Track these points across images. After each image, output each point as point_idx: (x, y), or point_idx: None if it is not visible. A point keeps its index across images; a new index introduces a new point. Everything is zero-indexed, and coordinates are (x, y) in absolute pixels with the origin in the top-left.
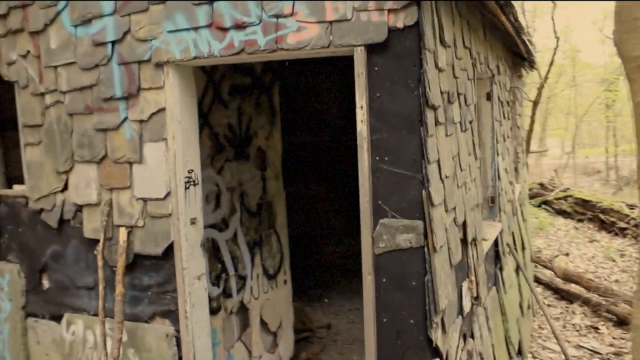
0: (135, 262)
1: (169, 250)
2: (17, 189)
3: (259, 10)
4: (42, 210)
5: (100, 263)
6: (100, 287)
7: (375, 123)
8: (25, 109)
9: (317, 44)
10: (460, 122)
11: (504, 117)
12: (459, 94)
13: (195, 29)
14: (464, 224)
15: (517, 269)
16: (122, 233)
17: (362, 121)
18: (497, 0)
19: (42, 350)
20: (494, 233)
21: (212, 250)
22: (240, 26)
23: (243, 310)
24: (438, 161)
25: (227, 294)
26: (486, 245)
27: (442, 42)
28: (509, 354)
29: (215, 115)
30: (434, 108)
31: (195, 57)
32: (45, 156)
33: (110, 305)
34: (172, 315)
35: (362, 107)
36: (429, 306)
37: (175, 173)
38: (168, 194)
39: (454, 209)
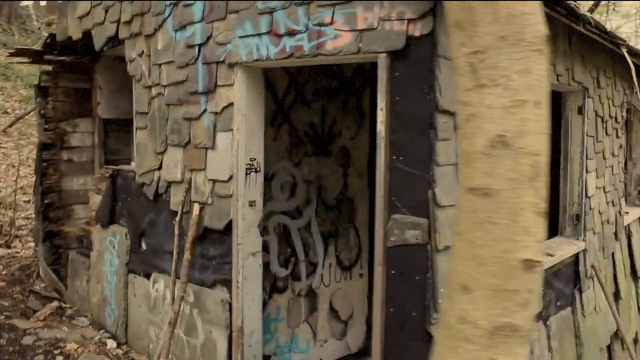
0: (205, 235)
1: (230, 227)
2: (131, 165)
3: (306, 19)
4: (144, 184)
5: (177, 232)
6: (175, 253)
7: (393, 124)
8: (138, 99)
9: (349, 50)
10: None
11: (607, 134)
12: None
13: (259, 35)
14: None
15: (616, 296)
16: (195, 208)
17: (381, 122)
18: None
19: (136, 302)
20: (569, 251)
21: (282, 235)
22: (291, 33)
23: (312, 294)
24: (455, 165)
25: (295, 277)
26: (552, 261)
27: None
28: None
29: (297, 113)
30: (448, 113)
31: (256, 60)
32: (148, 139)
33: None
34: (228, 284)
35: (382, 109)
36: (429, 302)
37: (237, 160)
38: (231, 178)
39: None
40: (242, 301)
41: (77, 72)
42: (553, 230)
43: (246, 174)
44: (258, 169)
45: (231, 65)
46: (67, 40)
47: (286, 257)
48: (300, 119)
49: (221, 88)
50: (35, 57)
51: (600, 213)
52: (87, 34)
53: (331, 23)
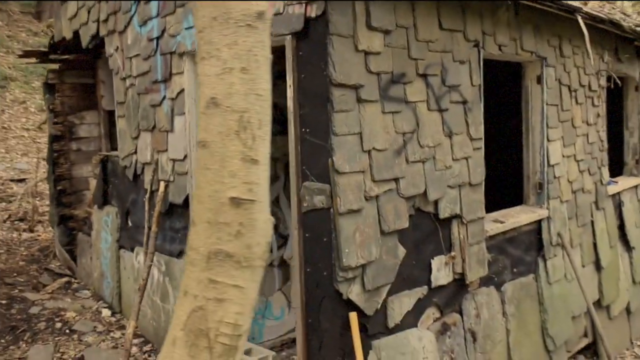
0: (172, 210)
1: (187, 201)
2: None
3: None
4: (126, 167)
5: (146, 208)
6: (146, 227)
7: (301, 100)
8: (117, 90)
9: None
10: (427, 101)
11: (577, 103)
12: (424, 75)
13: None
14: (436, 201)
15: (597, 265)
16: (161, 185)
17: (290, 98)
18: None
19: (126, 274)
20: (527, 219)
21: None
22: None
23: (285, 265)
24: (360, 134)
25: None
26: (502, 228)
27: (370, 27)
28: (546, 347)
29: None
30: (345, 86)
31: None
32: (126, 125)
33: (159, 242)
34: None
35: (290, 86)
36: (334, 261)
37: (189, 140)
38: (185, 157)
39: (397, 180)
40: None
41: (81, 69)
42: (519, 199)
43: None
44: None
45: (181, 55)
46: (62, 40)
47: None
48: None
49: (175, 76)
50: (42, 57)
51: (570, 182)
52: (76, 34)
53: None
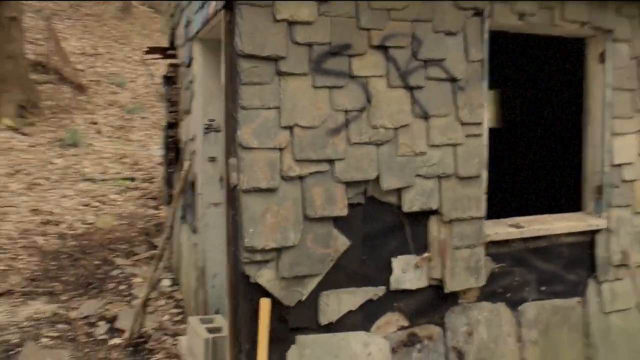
0: (189, 188)
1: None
2: None
3: None
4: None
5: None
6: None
7: (227, 74)
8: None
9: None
10: (386, 76)
11: None
12: (382, 47)
13: (199, 9)
14: (399, 190)
15: None
16: (185, 164)
17: (223, 73)
18: None
19: (182, 249)
20: (569, 228)
21: None
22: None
23: None
24: (279, 109)
25: None
26: (519, 234)
27: None
28: None
29: None
30: (256, 57)
31: (196, 33)
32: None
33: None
34: (196, 230)
35: (224, 61)
36: (239, 240)
37: (198, 121)
38: (194, 137)
39: (331, 161)
40: (204, 245)
41: None
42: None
43: (205, 133)
44: (219, 129)
45: (193, 40)
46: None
47: None
48: None
49: (194, 60)
50: (164, 52)
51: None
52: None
53: None
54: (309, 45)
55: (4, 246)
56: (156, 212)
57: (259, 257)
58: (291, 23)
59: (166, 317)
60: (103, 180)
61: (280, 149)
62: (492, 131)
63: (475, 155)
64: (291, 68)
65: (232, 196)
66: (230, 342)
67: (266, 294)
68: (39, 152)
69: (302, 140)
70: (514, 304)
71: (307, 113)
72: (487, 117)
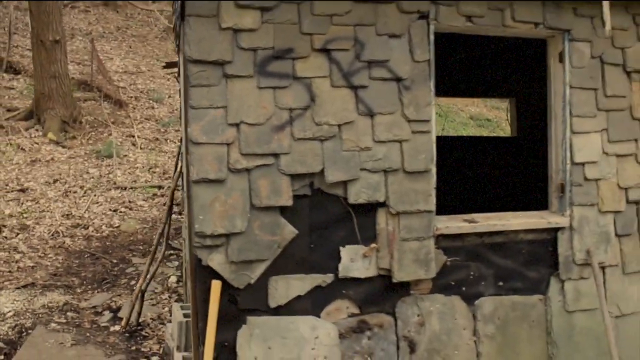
0: None
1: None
2: None
3: None
4: None
5: None
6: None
7: (185, 78)
8: None
9: None
10: (329, 77)
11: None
12: (325, 50)
13: None
14: (345, 183)
15: None
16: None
17: (181, 76)
18: None
19: None
20: (527, 225)
21: None
22: None
23: None
24: (225, 107)
25: None
26: (470, 229)
27: (239, 5)
28: None
29: None
30: (203, 62)
31: None
32: None
33: None
34: None
35: (180, 65)
36: (191, 229)
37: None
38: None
39: (277, 155)
40: None
41: None
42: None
43: None
44: None
45: None
46: None
47: None
48: None
49: None
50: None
51: (623, 188)
52: None
53: None
54: (254, 50)
55: (35, 246)
56: (179, 217)
57: (209, 241)
58: (236, 30)
59: (166, 309)
60: (132, 188)
61: (228, 144)
62: (509, 140)
63: (423, 151)
64: (237, 71)
65: (188, 187)
66: (192, 322)
67: (218, 276)
68: (77, 163)
69: (248, 136)
70: (469, 298)
71: (252, 111)
72: (434, 114)
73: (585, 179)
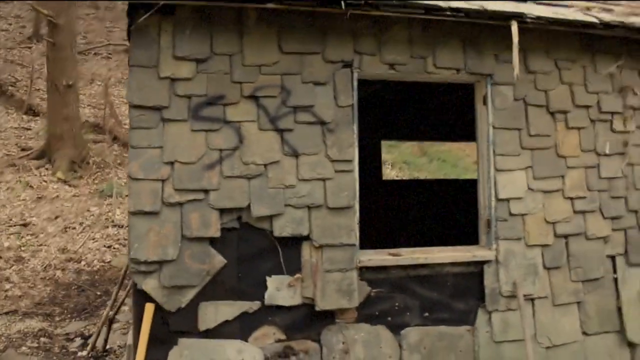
0: None
1: None
2: None
3: None
4: None
5: None
6: None
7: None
8: None
9: None
10: (257, 121)
11: (567, 127)
12: (253, 97)
13: None
14: (271, 218)
15: (629, 342)
16: None
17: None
18: None
19: None
20: (452, 258)
21: None
22: None
23: None
24: (161, 148)
25: None
26: (395, 261)
27: (176, 57)
28: None
29: None
30: (142, 107)
31: None
32: None
33: None
34: None
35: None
36: (129, 254)
37: None
38: None
39: (207, 191)
40: None
41: None
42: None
43: None
44: None
45: None
46: None
47: None
48: None
49: None
50: None
51: (550, 222)
52: None
53: None
54: (189, 97)
55: (27, 277)
56: None
57: (143, 267)
58: (173, 80)
59: None
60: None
61: (163, 180)
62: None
63: (345, 188)
64: (173, 115)
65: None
66: (133, 342)
67: (152, 300)
68: (79, 201)
69: (181, 173)
70: (395, 328)
71: (186, 151)
72: (357, 155)
73: (510, 214)
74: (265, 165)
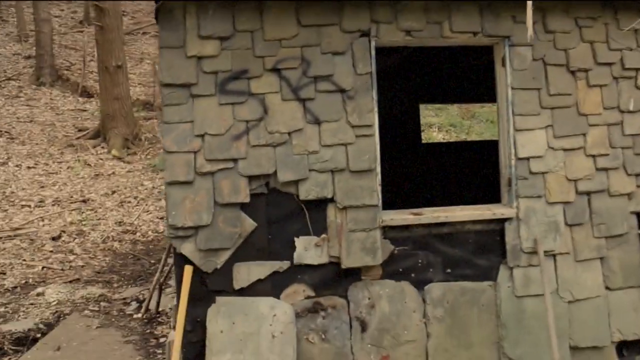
0: None
1: None
2: None
3: None
4: None
5: None
6: None
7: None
8: None
9: None
10: (280, 92)
11: (588, 85)
12: (275, 69)
13: None
14: (296, 182)
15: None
16: None
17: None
18: None
19: None
20: (472, 216)
21: None
22: None
23: None
24: (192, 122)
25: None
26: (410, 221)
27: (201, 36)
28: None
29: None
30: (173, 85)
31: None
32: None
33: None
34: None
35: None
36: (166, 221)
37: None
38: None
39: (235, 160)
40: None
41: None
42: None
43: None
44: None
45: None
46: None
47: None
48: None
49: None
50: None
51: (572, 180)
52: None
53: None
54: (215, 73)
55: (88, 249)
56: None
57: (181, 233)
58: (199, 58)
59: None
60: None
61: (194, 152)
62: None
63: (366, 152)
64: (201, 91)
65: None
66: (176, 302)
67: (190, 262)
68: (134, 176)
69: (211, 145)
70: (418, 284)
71: (214, 124)
72: (377, 119)
73: (531, 172)
74: (289, 134)
